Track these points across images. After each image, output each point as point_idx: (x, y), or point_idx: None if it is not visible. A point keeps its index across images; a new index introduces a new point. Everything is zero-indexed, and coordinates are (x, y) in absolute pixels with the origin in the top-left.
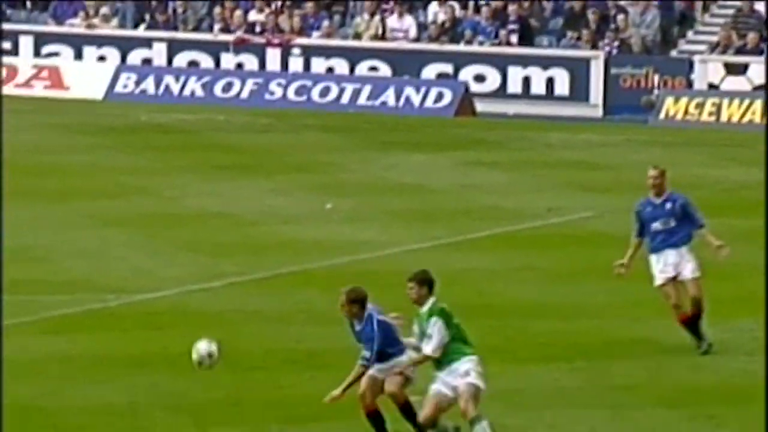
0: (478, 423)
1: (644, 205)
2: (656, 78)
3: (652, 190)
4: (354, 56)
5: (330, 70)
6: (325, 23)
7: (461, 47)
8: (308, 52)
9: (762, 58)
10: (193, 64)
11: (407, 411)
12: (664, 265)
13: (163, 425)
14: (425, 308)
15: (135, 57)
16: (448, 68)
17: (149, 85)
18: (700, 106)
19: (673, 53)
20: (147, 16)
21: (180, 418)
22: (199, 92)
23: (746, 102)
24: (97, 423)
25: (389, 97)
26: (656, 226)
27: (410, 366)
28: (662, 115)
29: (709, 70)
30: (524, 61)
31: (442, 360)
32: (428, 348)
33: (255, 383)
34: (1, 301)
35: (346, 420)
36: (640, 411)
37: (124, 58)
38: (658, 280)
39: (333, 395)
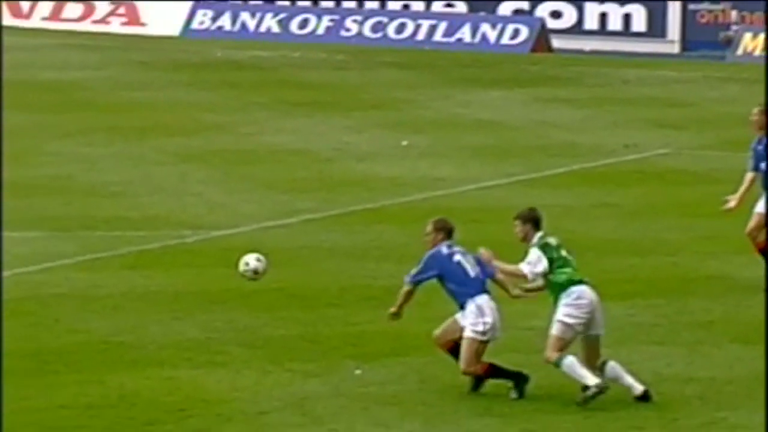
0: (562, 361)
1: (758, 142)
2: (734, 14)
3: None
4: None
5: (406, 6)
6: None
7: None
8: None
9: None
10: (269, 0)
11: (495, 374)
12: (762, 203)
13: (239, 361)
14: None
15: None
16: (524, 5)
17: (225, 21)
18: None
19: None
20: None
21: (256, 354)
22: (275, 29)
23: None
24: (174, 358)
25: (465, 33)
26: (762, 166)
27: (523, 292)
28: (740, 51)
29: None
30: None
31: (555, 294)
32: (521, 267)
33: (330, 320)
34: (1, 270)
35: (421, 356)
36: (716, 347)
37: None
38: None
39: (390, 312)
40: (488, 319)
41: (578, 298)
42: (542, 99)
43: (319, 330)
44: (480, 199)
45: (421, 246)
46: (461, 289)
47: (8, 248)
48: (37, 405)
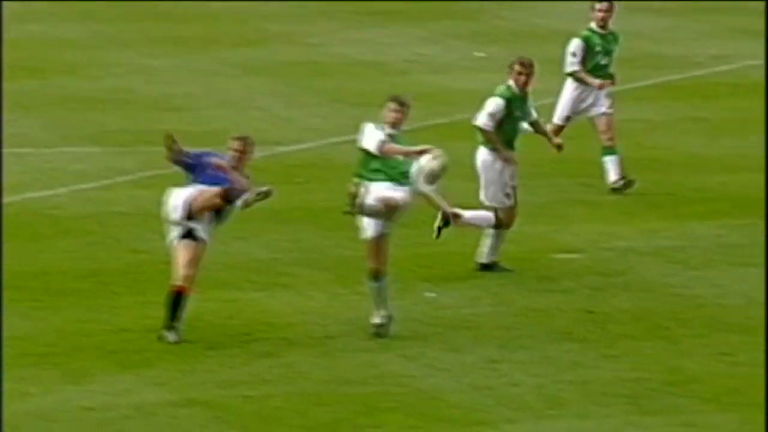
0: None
1: None
2: None
3: None
4: None
5: None
6: None
7: None
8: None
9: None
10: None
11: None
12: None
13: (306, 282)
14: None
15: None
16: None
17: None
18: None
19: None
20: None
21: (324, 276)
22: None
23: None
24: (238, 279)
25: None
26: None
27: None
28: None
29: None
30: None
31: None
32: None
33: (402, 241)
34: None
35: (496, 278)
36: None
37: None
38: None
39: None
40: None
41: None
42: (628, 8)
43: (390, 251)
44: None
45: None
46: None
47: (65, 164)
48: (97, 328)
